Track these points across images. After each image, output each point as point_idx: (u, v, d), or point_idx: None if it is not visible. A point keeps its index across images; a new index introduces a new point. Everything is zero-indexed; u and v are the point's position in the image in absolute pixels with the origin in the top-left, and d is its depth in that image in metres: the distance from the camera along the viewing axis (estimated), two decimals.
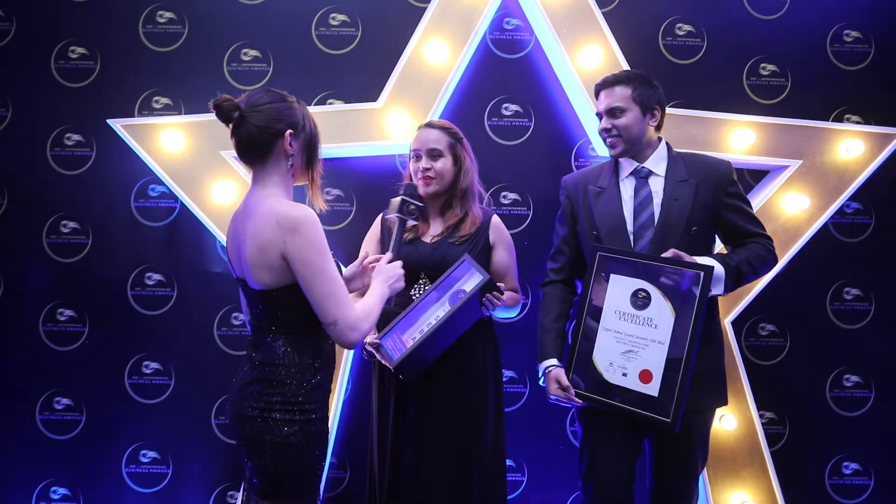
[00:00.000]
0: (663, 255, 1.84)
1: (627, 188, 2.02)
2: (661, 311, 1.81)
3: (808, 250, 2.72)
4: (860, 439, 2.88)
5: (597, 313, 1.90)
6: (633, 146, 2.00)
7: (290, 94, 1.64)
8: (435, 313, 1.97)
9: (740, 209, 1.99)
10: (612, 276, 1.89)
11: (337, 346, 1.67)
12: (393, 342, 1.98)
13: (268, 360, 1.57)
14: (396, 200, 2.00)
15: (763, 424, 2.70)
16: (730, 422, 2.65)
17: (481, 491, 2.09)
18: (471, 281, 1.97)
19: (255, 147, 1.58)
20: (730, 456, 2.66)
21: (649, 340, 1.81)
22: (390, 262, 1.82)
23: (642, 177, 2.01)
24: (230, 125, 1.58)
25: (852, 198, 2.77)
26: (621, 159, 2.05)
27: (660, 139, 2.07)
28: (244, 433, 1.57)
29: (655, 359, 1.79)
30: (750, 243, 1.98)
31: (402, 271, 1.82)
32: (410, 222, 2.01)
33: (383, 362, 2.02)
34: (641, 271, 1.85)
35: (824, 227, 2.76)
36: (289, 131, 1.58)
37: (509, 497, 2.82)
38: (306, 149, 1.63)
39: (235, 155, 1.66)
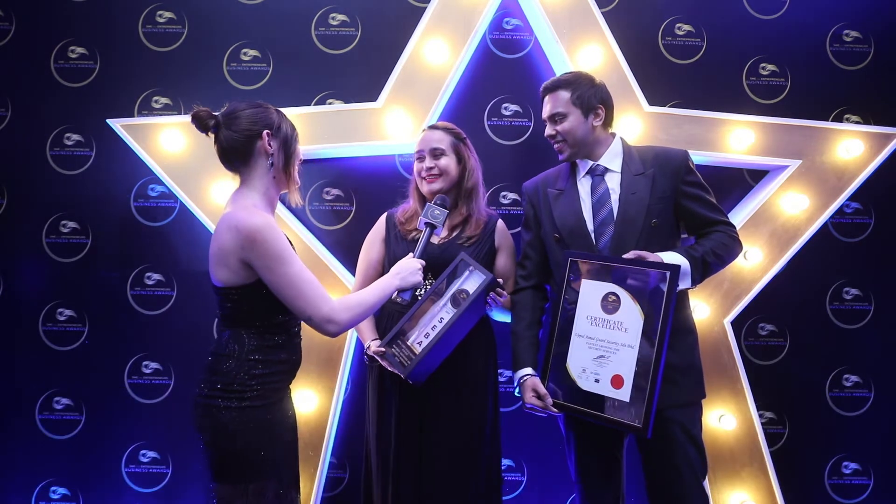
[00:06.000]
0: (625, 256, 1.83)
1: (585, 187, 2.02)
2: (630, 313, 1.78)
3: (807, 250, 2.72)
4: (860, 439, 2.88)
5: (569, 319, 1.88)
6: (580, 148, 2.01)
7: (266, 103, 1.72)
8: (438, 315, 1.96)
9: (699, 197, 1.97)
10: (582, 280, 1.88)
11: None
12: (399, 348, 1.96)
13: (216, 350, 1.66)
14: (427, 207, 2.02)
15: (763, 424, 2.70)
16: (729, 422, 2.65)
17: (476, 491, 2.09)
18: (472, 280, 1.96)
19: (236, 152, 1.66)
20: (729, 456, 2.66)
21: (619, 345, 1.79)
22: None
23: (598, 174, 2.01)
24: (208, 134, 1.67)
25: (852, 198, 2.78)
26: (577, 159, 2.05)
27: (613, 135, 2.06)
28: (193, 418, 1.66)
29: (626, 363, 1.77)
30: (714, 232, 1.96)
31: (418, 265, 1.87)
32: (439, 231, 2.02)
33: (392, 370, 1.99)
34: (610, 275, 1.83)
35: (824, 227, 2.76)
36: (266, 131, 1.65)
37: (510, 497, 2.82)
38: (284, 148, 1.69)
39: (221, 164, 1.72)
